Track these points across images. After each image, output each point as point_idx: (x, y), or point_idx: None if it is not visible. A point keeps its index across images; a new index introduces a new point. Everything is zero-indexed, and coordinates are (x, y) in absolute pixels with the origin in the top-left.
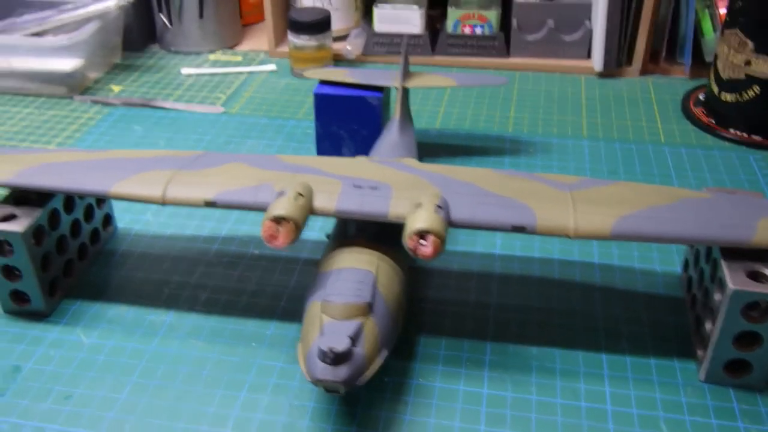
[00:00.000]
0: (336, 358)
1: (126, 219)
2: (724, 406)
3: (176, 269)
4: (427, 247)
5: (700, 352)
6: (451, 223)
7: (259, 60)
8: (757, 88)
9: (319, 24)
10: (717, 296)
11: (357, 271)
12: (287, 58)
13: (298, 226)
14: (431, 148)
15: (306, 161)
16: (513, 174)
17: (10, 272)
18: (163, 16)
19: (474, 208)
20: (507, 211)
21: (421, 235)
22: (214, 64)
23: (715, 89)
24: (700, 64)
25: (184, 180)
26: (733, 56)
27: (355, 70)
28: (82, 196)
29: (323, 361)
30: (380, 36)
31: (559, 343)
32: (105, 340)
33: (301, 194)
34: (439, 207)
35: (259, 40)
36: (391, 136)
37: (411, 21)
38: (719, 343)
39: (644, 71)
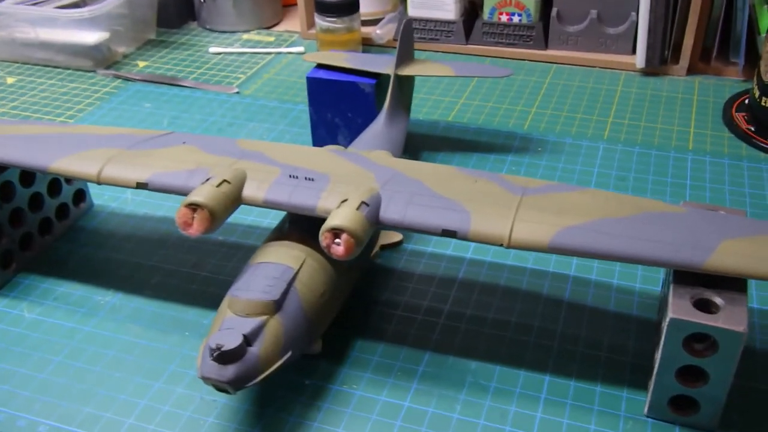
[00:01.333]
0: (223, 357)
1: (105, 196)
2: None
3: (138, 250)
4: (339, 247)
5: (649, 383)
6: (378, 223)
7: (290, 42)
8: None
9: (347, 5)
10: (664, 324)
11: (275, 266)
12: (315, 40)
13: (215, 215)
14: (434, 142)
15: (262, 147)
16: (473, 174)
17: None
18: None
19: (406, 207)
20: (441, 213)
21: (336, 233)
22: (245, 44)
23: (756, 93)
24: (757, 63)
25: (126, 160)
26: None
27: (355, 55)
28: (25, 169)
29: (216, 360)
30: (414, 21)
31: (503, 359)
32: (46, 317)
33: (227, 181)
34: (366, 204)
35: (296, 21)
36: (375, 126)
37: (445, 6)
38: (660, 375)
39: (692, 70)
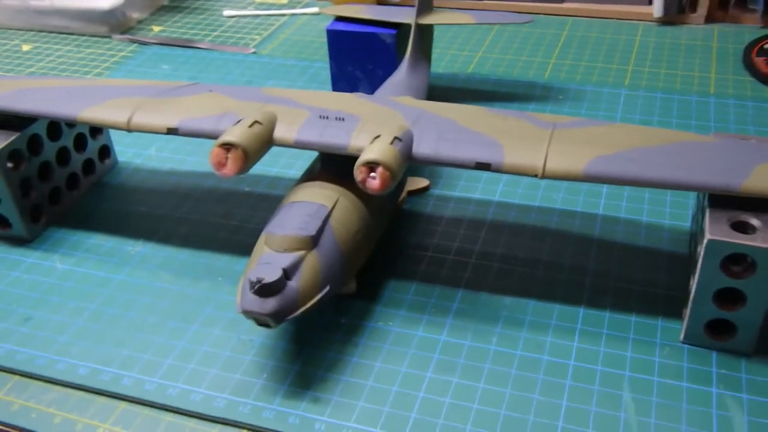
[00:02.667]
0: (263, 289)
1: (129, 153)
2: (701, 370)
3: (165, 203)
4: (375, 180)
5: (684, 311)
6: (412, 158)
7: (304, 3)
8: None
9: None
10: (699, 248)
11: (309, 204)
12: (330, 1)
13: (248, 155)
14: (455, 94)
15: (287, 93)
16: (502, 113)
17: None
18: None
19: (438, 143)
20: (473, 147)
21: (371, 167)
22: (259, 6)
23: None
24: None
25: (152, 107)
26: None
27: (373, 7)
28: (54, 119)
29: (257, 293)
30: None
31: (536, 295)
32: (78, 267)
33: (258, 122)
34: (398, 139)
35: None
36: (398, 75)
37: None
38: (697, 299)
39: (710, 18)
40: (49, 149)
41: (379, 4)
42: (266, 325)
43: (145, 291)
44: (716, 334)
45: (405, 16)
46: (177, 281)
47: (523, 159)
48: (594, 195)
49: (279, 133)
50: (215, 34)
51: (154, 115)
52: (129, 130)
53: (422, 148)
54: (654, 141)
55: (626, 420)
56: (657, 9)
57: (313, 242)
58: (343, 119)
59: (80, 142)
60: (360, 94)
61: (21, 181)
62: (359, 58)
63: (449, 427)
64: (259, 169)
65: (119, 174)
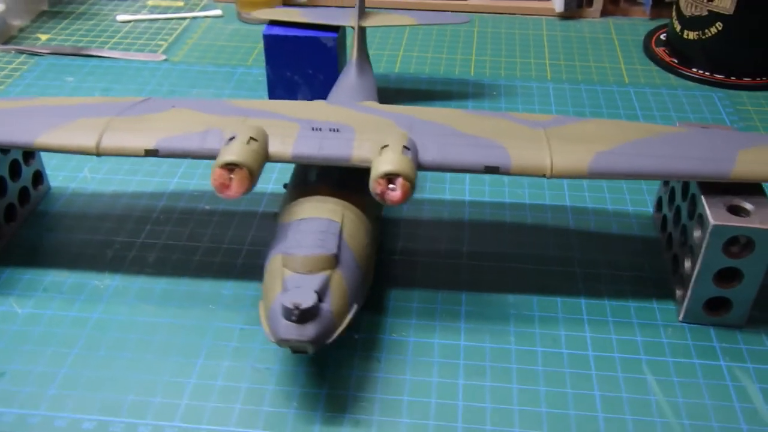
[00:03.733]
0: (302, 315)
1: (60, 177)
2: (705, 346)
3: (120, 229)
4: (395, 192)
5: (678, 292)
6: (420, 166)
7: (203, 5)
8: (719, 25)
9: None
10: (697, 233)
11: (320, 220)
12: (234, 2)
13: (253, 174)
14: (391, 94)
15: (258, 105)
16: (483, 114)
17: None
18: None
19: (443, 149)
20: (479, 150)
21: (389, 178)
22: (153, 9)
23: (678, 27)
24: (661, 4)
25: (122, 127)
26: None
27: (308, 10)
28: (3, 149)
29: (288, 319)
30: None
31: (536, 289)
32: (42, 309)
33: (254, 138)
34: (407, 148)
35: None
36: (349, 78)
37: None
38: (699, 281)
39: (604, 12)
40: None
41: (285, 5)
42: (302, 352)
43: (131, 327)
44: (713, 310)
45: (345, 18)
46: (163, 313)
47: (530, 160)
48: (557, 188)
49: (274, 148)
50: (113, 40)
51: (127, 136)
52: (98, 155)
53: (428, 155)
54: (640, 135)
55: (657, 402)
56: (558, 4)
57: (336, 260)
58: (337, 130)
59: (14, 170)
60: (323, 102)
61: None
62: (299, 63)
63: None
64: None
65: (55, 201)
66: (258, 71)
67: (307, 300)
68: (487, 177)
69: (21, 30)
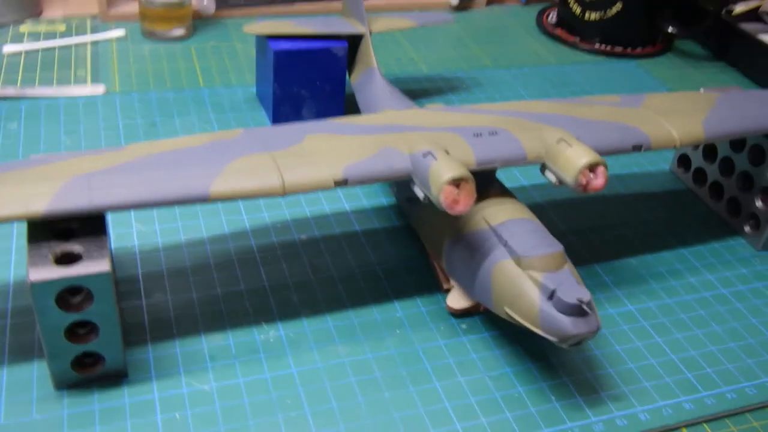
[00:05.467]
0: (590, 307)
1: (113, 236)
2: None
3: (239, 276)
4: (598, 179)
5: (748, 229)
6: None
7: (91, 27)
8: (620, 5)
9: None
10: None
11: (523, 221)
12: (128, 21)
13: (474, 185)
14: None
15: (384, 119)
16: (574, 101)
17: (81, 332)
18: None
19: (594, 136)
20: (620, 133)
21: (591, 168)
22: (34, 38)
23: (578, 10)
24: None
25: (291, 163)
26: None
27: (302, 21)
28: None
29: (574, 314)
30: None
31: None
32: (230, 379)
33: (446, 151)
34: (578, 140)
35: (72, 2)
36: (383, 84)
37: None
38: None
39: (488, 2)
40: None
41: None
42: (577, 344)
43: (339, 371)
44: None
45: (350, 27)
46: (357, 350)
47: (661, 135)
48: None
49: (460, 158)
50: (9, 76)
51: (306, 171)
52: (284, 194)
53: (590, 143)
54: (709, 101)
55: None
56: None
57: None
58: (496, 133)
59: None
60: (433, 110)
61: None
62: (308, 75)
63: None
64: (302, 213)
65: (127, 263)
66: (222, 91)
67: (584, 292)
68: None
69: None
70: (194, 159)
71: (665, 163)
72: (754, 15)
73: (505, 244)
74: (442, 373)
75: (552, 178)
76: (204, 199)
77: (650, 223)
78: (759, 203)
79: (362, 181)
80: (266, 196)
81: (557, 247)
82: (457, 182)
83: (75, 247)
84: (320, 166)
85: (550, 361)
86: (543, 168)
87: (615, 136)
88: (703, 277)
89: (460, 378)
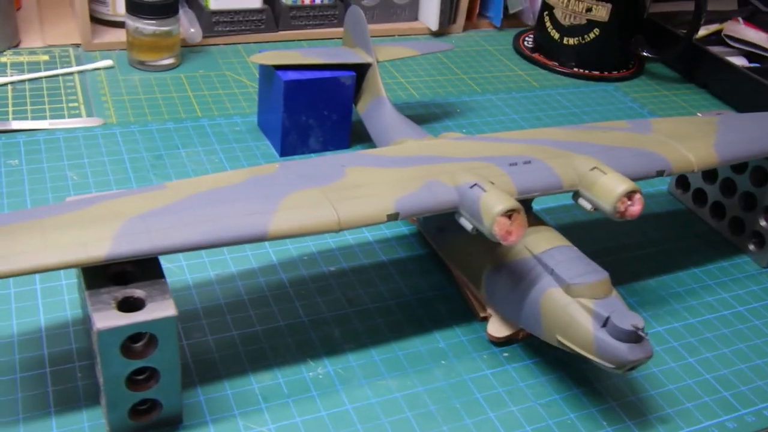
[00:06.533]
0: (643, 333)
1: None
2: None
3: (276, 312)
4: (635, 206)
5: (752, 247)
6: None
7: (75, 57)
8: (597, 31)
9: (168, 5)
10: None
11: (565, 248)
12: (112, 50)
13: (525, 216)
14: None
15: (408, 150)
16: (587, 127)
17: (139, 378)
18: None
19: (618, 162)
20: (643, 159)
21: (628, 195)
22: (18, 68)
23: (555, 35)
24: (507, 17)
25: (342, 196)
26: (574, 5)
27: (307, 51)
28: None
29: (630, 341)
30: (219, 14)
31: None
32: (286, 419)
33: (491, 182)
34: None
35: (51, 32)
36: (393, 112)
37: None
38: None
39: (465, 28)
40: None
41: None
42: (632, 369)
43: (394, 406)
44: None
45: (356, 56)
46: (408, 383)
47: (680, 160)
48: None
49: (502, 188)
50: (6, 110)
51: (359, 205)
52: (339, 230)
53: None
54: (710, 125)
55: None
56: (433, 23)
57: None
58: (530, 162)
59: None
60: (454, 135)
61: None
62: (316, 105)
63: None
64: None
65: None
66: (222, 121)
67: (637, 318)
68: None
69: None
70: (244, 197)
71: (663, 184)
72: (718, 38)
73: (552, 272)
74: (494, 403)
75: (587, 205)
76: (262, 238)
77: (658, 243)
78: (763, 222)
79: (412, 214)
80: (322, 232)
81: (603, 274)
82: (509, 213)
83: (137, 291)
84: (372, 201)
85: (594, 386)
86: (576, 195)
87: (640, 162)
88: (719, 296)
89: (513, 407)
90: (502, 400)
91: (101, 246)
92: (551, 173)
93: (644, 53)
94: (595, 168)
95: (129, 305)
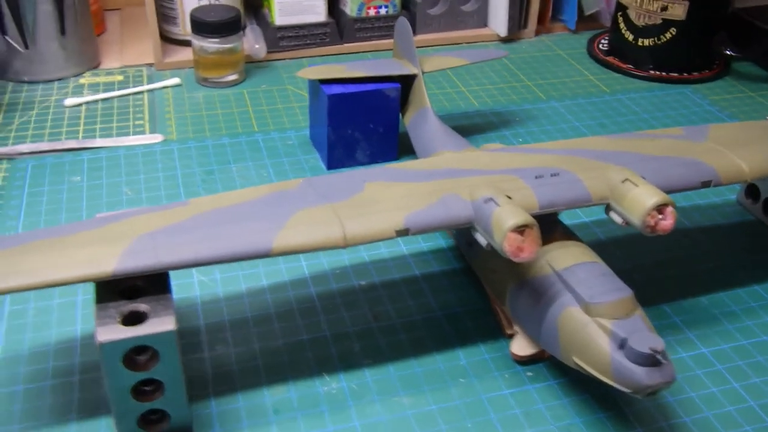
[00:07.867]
0: (663, 357)
1: (174, 287)
2: None
3: (301, 326)
4: (667, 221)
5: None
6: None
7: (150, 76)
8: (673, 30)
9: (231, 24)
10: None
11: (587, 264)
12: (182, 69)
13: (539, 231)
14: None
15: (436, 164)
16: (633, 135)
17: (147, 389)
18: (10, 39)
19: (659, 173)
20: (688, 169)
21: (658, 208)
22: (94, 89)
23: (629, 37)
24: (582, 19)
25: (351, 213)
26: (648, 4)
27: (354, 64)
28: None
29: (648, 364)
30: (284, 29)
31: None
32: None
33: (508, 196)
34: (643, 178)
35: (128, 53)
36: (437, 123)
37: (314, 9)
38: None
39: (537, 32)
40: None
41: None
42: (653, 394)
43: (405, 425)
44: None
45: (402, 68)
46: (423, 401)
47: (730, 169)
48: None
49: (521, 201)
50: (75, 128)
51: (367, 221)
52: (345, 246)
53: (656, 181)
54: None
55: None
56: (501, 29)
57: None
58: (557, 174)
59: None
60: (494, 147)
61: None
62: (361, 118)
63: None
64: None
65: (191, 315)
66: (275, 135)
67: (657, 340)
68: None
69: None
70: (255, 214)
71: (731, 193)
72: None
73: (572, 290)
74: (508, 424)
75: (618, 219)
76: (266, 255)
77: (718, 257)
78: None
79: (424, 230)
80: (328, 248)
81: (626, 292)
82: (521, 229)
83: (141, 306)
84: (381, 216)
85: (622, 410)
86: (608, 209)
87: (682, 173)
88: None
89: (528, 430)
90: (517, 421)
91: (110, 262)
92: (580, 186)
93: (728, 52)
94: (626, 180)
95: (134, 319)
